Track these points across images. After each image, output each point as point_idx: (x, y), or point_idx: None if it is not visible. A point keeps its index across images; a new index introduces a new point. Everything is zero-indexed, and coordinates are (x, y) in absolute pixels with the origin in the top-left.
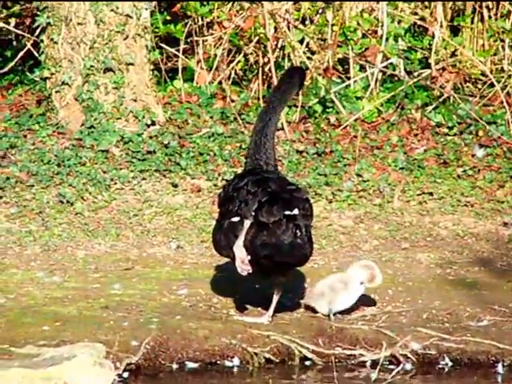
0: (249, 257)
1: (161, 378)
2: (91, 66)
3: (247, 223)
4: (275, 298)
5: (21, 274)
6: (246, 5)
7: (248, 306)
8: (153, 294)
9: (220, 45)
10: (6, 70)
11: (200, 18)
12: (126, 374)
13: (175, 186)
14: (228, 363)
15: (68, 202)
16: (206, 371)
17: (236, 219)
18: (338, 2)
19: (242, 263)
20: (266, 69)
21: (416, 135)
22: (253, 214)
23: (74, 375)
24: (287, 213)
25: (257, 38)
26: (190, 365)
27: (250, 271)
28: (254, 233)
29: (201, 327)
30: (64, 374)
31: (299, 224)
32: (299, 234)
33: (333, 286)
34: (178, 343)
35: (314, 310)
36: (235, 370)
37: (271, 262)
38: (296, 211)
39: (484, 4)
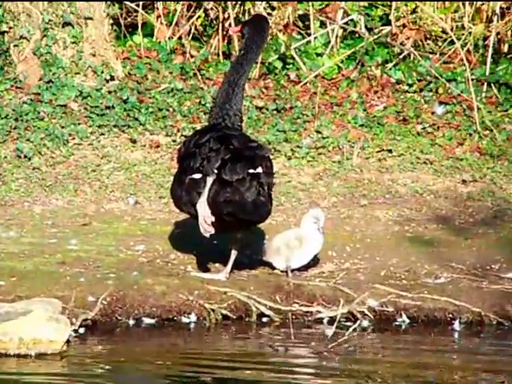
0: (212, 216)
1: (117, 333)
2: (49, 21)
3: (209, 180)
4: (233, 255)
5: None
6: None
7: (205, 262)
8: (110, 250)
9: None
10: None
11: None
12: (82, 330)
13: (134, 141)
14: (185, 319)
15: (25, 156)
16: (163, 327)
17: (198, 176)
18: None
19: (205, 222)
20: (226, 24)
21: (376, 92)
22: (215, 171)
23: (29, 330)
24: (251, 171)
25: None
26: (147, 321)
27: (213, 232)
28: (217, 190)
29: (158, 283)
30: (19, 329)
31: (262, 182)
32: (262, 191)
33: (288, 244)
34: (135, 299)
35: (271, 266)
36: (192, 326)
37: (234, 219)
38: (259, 169)
39: None
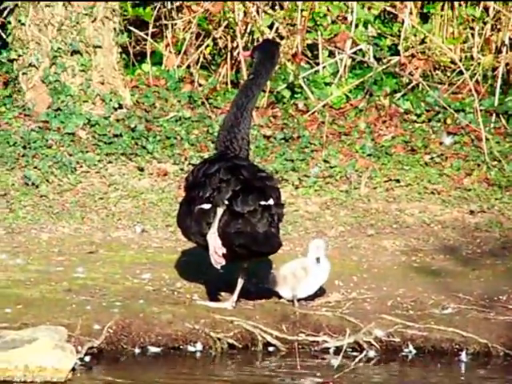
0: (222, 247)
1: (123, 362)
2: (58, 49)
3: (220, 211)
4: (239, 284)
5: None
6: None
7: (212, 291)
8: (116, 278)
9: (189, 29)
10: None
11: (169, 2)
12: (87, 358)
13: (141, 169)
14: (191, 348)
15: (33, 184)
16: (169, 356)
17: (207, 206)
18: None
19: (216, 253)
20: (235, 53)
21: (384, 122)
22: (226, 202)
23: (35, 358)
24: (263, 203)
25: (226, 22)
26: (153, 349)
27: (224, 264)
28: (228, 221)
29: (164, 312)
30: (25, 356)
31: (273, 213)
32: (273, 223)
33: (294, 273)
34: (141, 327)
35: (278, 295)
36: (198, 355)
37: (246, 250)
38: (271, 201)
39: None
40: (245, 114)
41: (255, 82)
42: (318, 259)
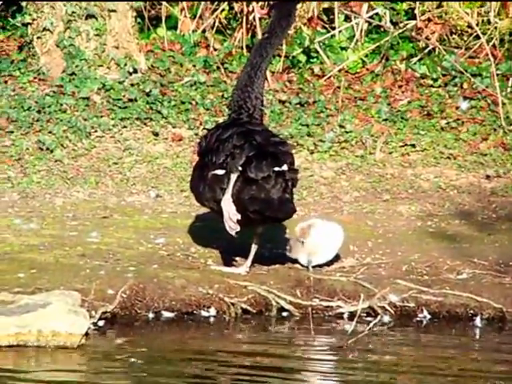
0: (237, 213)
1: (136, 327)
2: (73, 12)
3: (233, 177)
4: (253, 249)
5: None
6: None
7: (226, 256)
8: (130, 243)
9: None
10: None
11: None
12: (101, 323)
13: (156, 134)
14: (204, 313)
15: (47, 149)
16: (182, 321)
17: (221, 172)
18: None
19: (230, 220)
20: (250, 18)
21: (400, 86)
22: (240, 168)
23: (48, 323)
24: (276, 169)
25: None
26: (166, 314)
27: (238, 230)
28: (242, 187)
29: (178, 276)
30: (38, 321)
31: (287, 179)
32: (287, 189)
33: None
34: (155, 292)
35: (293, 260)
36: (212, 320)
37: (260, 216)
38: (285, 167)
39: None
40: (259, 73)
41: (270, 41)
42: (302, 242)
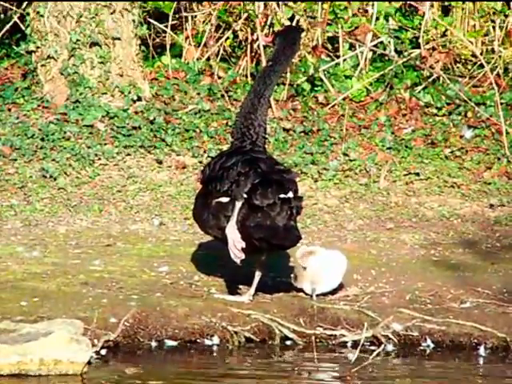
0: (242, 241)
1: (139, 355)
2: (77, 40)
3: (238, 205)
4: (257, 277)
5: (0, 249)
6: None
7: (229, 285)
8: (133, 271)
9: (209, 21)
10: None
11: None
12: (103, 352)
13: (160, 162)
14: (208, 342)
15: (51, 176)
16: (186, 349)
17: (225, 200)
18: None
19: (235, 247)
20: (255, 46)
21: (404, 115)
22: (245, 195)
23: (50, 351)
24: (282, 196)
25: (246, 14)
26: (169, 343)
27: (243, 258)
28: (247, 214)
29: (181, 305)
30: (40, 350)
31: (292, 207)
32: (292, 216)
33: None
34: (158, 321)
35: (296, 288)
36: (215, 348)
37: (266, 243)
38: (290, 194)
39: None
40: (262, 100)
41: (274, 69)
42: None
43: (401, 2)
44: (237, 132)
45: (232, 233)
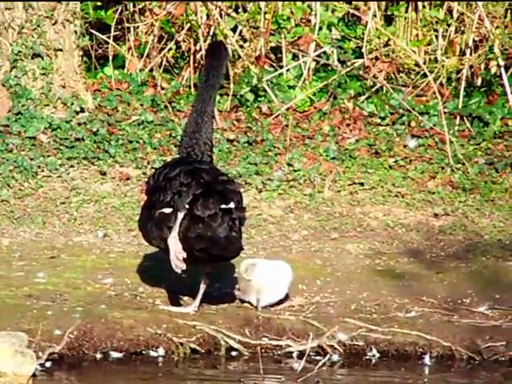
0: (183, 251)
1: (84, 367)
2: (19, 52)
3: (180, 215)
4: (202, 288)
5: None
6: None
7: (174, 296)
8: (78, 283)
9: (151, 32)
10: None
11: (131, 4)
12: (48, 364)
13: (103, 173)
14: (153, 353)
15: None
16: (131, 361)
17: (168, 210)
18: None
19: (177, 258)
20: (198, 56)
21: (348, 125)
22: (187, 206)
23: None
24: (223, 206)
25: (188, 25)
26: (115, 354)
27: (184, 268)
28: (188, 225)
29: (126, 316)
30: None
31: (234, 217)
32: (234, 227)
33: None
34: (103, 332)
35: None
36: (160, 360)
37: (206, 254)
38: (232, 205)
39: None
40: (205, 118)
41: (208, 84)
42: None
43: (343, 12)
44: (182, 151)
45: (173, 243)
